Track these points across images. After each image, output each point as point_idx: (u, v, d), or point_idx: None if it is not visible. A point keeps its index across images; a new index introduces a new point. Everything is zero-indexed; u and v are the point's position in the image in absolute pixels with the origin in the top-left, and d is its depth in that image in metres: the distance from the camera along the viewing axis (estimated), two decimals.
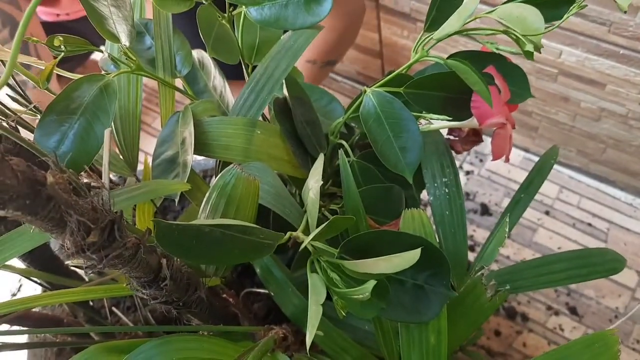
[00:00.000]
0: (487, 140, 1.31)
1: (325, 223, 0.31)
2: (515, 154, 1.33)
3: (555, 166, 1.28)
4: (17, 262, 0.49)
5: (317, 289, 0.31)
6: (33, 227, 0.26)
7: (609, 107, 1.08)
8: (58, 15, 0.99)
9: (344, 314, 0.33)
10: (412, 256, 0.32)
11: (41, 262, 0.47)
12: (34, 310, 0.47)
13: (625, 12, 0.39)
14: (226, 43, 0.48)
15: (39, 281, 0.48)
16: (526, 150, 1.33)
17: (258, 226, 0.34)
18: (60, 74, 0.45)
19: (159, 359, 0.35)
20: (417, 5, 1.16)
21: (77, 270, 0.52)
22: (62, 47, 0.40)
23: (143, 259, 0.31)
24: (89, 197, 0.26)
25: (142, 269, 0.33)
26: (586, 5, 0.41)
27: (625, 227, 1.20)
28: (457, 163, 1.33)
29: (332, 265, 0.33)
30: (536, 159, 1.27)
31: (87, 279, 0.53)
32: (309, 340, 0.29)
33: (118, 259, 0.29)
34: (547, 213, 1.23)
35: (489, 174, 1.30)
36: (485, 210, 1.25)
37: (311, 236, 0.32)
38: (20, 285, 1.04)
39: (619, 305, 1.11)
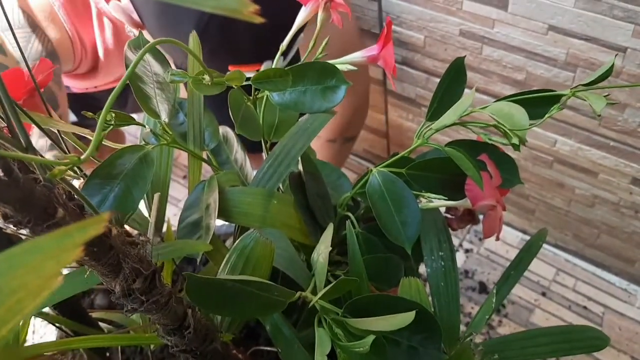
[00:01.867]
0: None
1: (333, 283, 0.36)
2: (514, 235, 1.38)
3: (552, 249, 1.32)
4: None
5: (323, 342, 0.36)
6: (87, 271, 0.31)
7: (601, 194, 1.14)
8: (87, 88, 1.08)
9: None
10: (408, 317, 0.37)
11: (68, 309, 0.52)
12: (57, 356, 0.51)
13: (599, 115, 0.45)
14: (251, 122, 0.55)
15: (64, 328, 0.52)
16: (524, 231, 1.38)
17: (273, 284, 0.38)
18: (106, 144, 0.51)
19: None
20: (422, 92, 1.25)
21: (99, 322, 0.56)
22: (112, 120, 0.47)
23: (173, 307, 0.36)
24: (138, 249, 0.31)
25: (170, 317, 0.37)
26: (563, 109, 0.47)
27: (620, 312, 1.22)
28: (457, 241, 1.38)
29: (336, 322, 0.38)
30: None
31: (105, 330, 0.57)
32: None
33: (155, 305, 0.33)
34: (543, 294, 1.26)
35: (488, 253, 1.35)
36: (483, 288, 1.28)
37: (320, 294, 0.36)
38: None
39: None
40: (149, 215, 0.56)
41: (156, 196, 0.33)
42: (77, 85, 1.05)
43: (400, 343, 0.42)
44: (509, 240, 1.37)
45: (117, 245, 0.29)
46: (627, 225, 1.17)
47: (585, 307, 1.23)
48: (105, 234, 0.28)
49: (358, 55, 0.61)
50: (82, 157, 0.26)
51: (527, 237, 1.38)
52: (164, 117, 0.50)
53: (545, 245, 1.34)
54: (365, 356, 0.38)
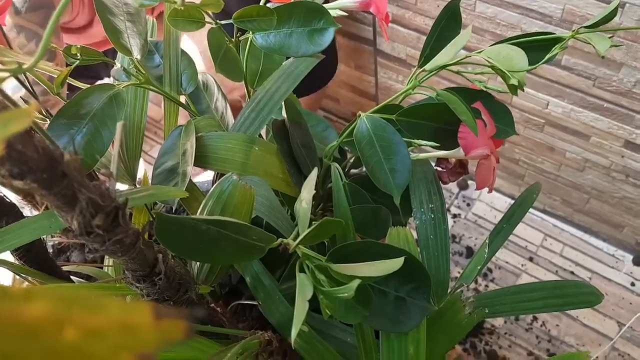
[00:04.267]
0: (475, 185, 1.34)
1: (315, 224, 0.33)
2: (502, 200, 1.36)
3: (541, 214, 1.31)
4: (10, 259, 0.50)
5: (305, 287, 0.33)
6: (43, 207, 0.28)
7: (592, 158, 1.12)
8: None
9: (328, 313, 0.34)
10: (396, 263, 0.34)
11: (36, 261, 0.48)
12: None
13: (602, 57, 0.42)
14: (232, 63, 0.51)
15: (30, 279, 0.49)
16: (512, 197, 1.36)
17: (252, 226, 0.35)
18: (72, 83, 0.47)
19: None
20: (413, 51, 1.21)
21: (73, 276, 0.53)
22: (77, 55, 0.43)
23: (141, 250, 0.33)
24: (98, 182, 0.28)
25: (139, 262, 0.34)
26: (566, 47, 0.44)
27: (607, 278, 1.22)
28: (445, 206, 1.36)
29: (320, 268, 0.35)
30: None
31: (75, 282, 0.54)
32: (294, 333, 0.31)
33: (119, 245, 0.30)
34: (531, 259, 1.25)
35: (476, 218, 1.33)
36: (470, 253, 1.26)
37: (301, 237, 0.33)
38: None
39: (599, 355, 1.12)
40: (121, 161, 0.52)
41: (119, 125, 0.30)
42: (74, 42, 1.03)
43: (387, 294, 0.40)
44: (497, 206, 1.35)
45: (71, 173, 0.26)
46: (617, 190, 1.15)
47: (572, 272, 1.23)
48: (56, 159, 0.25)
49: (349, 0, 0.57)
50: (27, 65, 0.22)
51: None
52: (136, 53, 0.46)
53: (533, 211, 1.33)
54: (350, 305, 0.36)
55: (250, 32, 0.52)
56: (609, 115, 1.02)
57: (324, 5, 0.54)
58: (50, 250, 0.78)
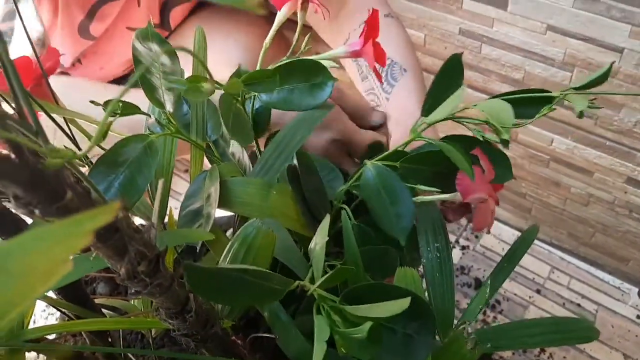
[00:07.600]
0: None
1: (331, 272, 0.37)
2: (510, 233, 1.39)
3: (547, 247, 1.34)
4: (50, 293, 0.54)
5: (322, 328, 0.37)
6: (94, 253, 0.32)
7: (596, 193, 1.16)
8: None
9: (344, 351, 0.38)
10: (402, 304, 0.38)
11: (73, 295, 0.53)
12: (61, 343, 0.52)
13: (581, 117, 0.46)
14: (241, 125, 0.55)
15: (67, 312, 0.53)
16: (520, 230, 1.39)
17: (274, 273, 0.40)
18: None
19: None
20: None
21: (103, 309, 0.57)
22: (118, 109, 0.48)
23: (176, 290, 0.37)
24: (143, 233, 0.33)
25: (173, 300, 0.38)
26: (555, 109, 0.49)
27: (613, 310, 1.24)
28: (453, 238, 1.39)
29: (334, 309, 0.39)
30: None
31: (107, 316, 0.58)
32: None
33: (158, 288, 0.35)
34: (538, 291, 1.27)
35: (484, 250, 1.36)
36: (478, 284, 1.29)
37: (318, 283, 0.38)
38: None
39: None
40: (152, 204, 0.57)
41: (160, 182, 0.35)
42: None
43: (396, 331, 0.43)
44: (505, 238, 1.38)
45: (123, 227, 0.30)
46: (621, 224, 1.18)
47: (579, 305, 1.25)
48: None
49: (340, 51, 0.60)
50: (79, 153, 0.27)
51: None
52: (169, 107, 0.51)
53: (540, 243, 1.36)
54: (363, 343, 0.40)
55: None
56: (611, 152, 1.06)
57: (317, 57, 0.58)
58: None
